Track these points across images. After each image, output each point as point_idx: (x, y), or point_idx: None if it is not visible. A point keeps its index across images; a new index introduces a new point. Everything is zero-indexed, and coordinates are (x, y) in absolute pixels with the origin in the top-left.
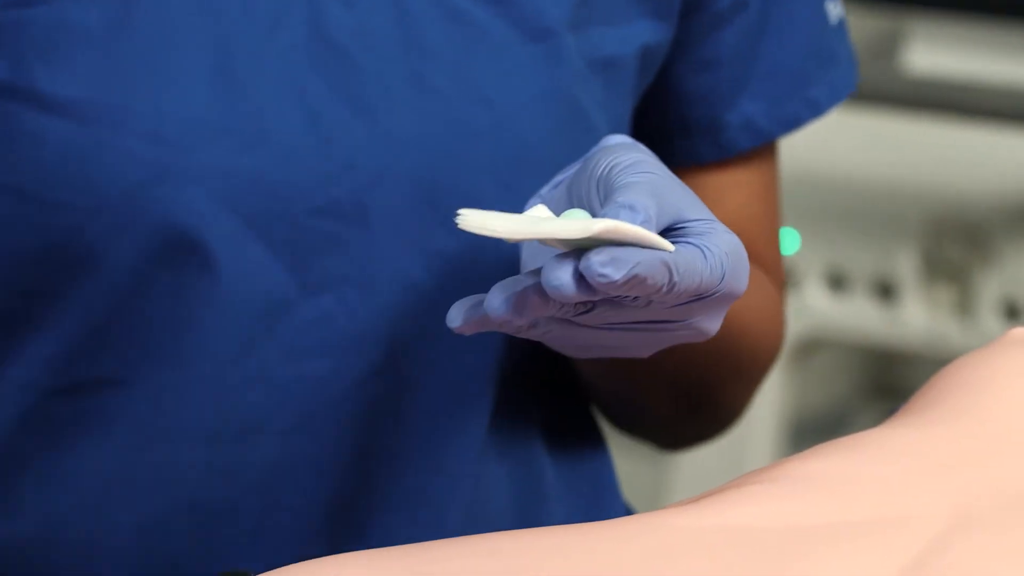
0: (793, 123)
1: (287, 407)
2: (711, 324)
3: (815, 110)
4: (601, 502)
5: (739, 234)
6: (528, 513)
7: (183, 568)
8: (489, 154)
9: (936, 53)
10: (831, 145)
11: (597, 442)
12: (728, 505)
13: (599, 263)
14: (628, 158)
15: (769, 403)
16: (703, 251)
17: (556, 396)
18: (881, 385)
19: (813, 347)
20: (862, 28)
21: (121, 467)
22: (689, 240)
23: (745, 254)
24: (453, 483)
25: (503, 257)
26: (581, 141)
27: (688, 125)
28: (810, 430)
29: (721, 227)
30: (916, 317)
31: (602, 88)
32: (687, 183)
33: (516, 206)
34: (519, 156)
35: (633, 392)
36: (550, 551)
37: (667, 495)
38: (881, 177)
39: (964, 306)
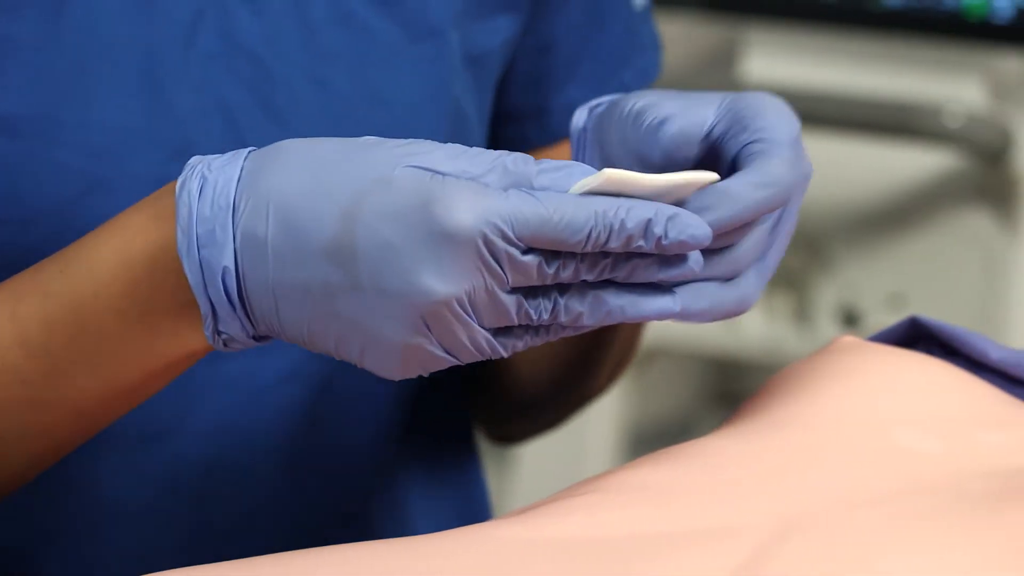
0: None
1: (206, 408)
2: None
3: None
4: (472, 506)
5: None
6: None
7: (112, 572)
8: None
9: (773, 62)
10: None
11: (472, 448)
12: (556, 516)
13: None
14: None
15: (610, 411)
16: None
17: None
18: (722, 392)
19: (654, 355)
20: (701, 38)
21: (43, 475)
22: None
23: None
24: (370, 482)
25: None
26: (462, 137)
27: (519, 111)
28: (651, 438)
29: None
30: (755, 325)
31: (473, 83)
32: None
33: None
34: None
35: (580, 368)
36: (373, 565)
37: (507, 503)
38: None
39: (802, 313)
